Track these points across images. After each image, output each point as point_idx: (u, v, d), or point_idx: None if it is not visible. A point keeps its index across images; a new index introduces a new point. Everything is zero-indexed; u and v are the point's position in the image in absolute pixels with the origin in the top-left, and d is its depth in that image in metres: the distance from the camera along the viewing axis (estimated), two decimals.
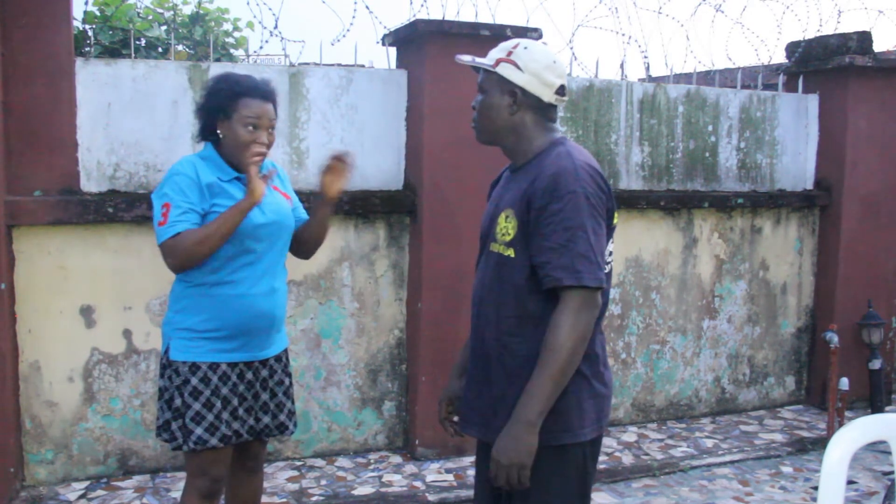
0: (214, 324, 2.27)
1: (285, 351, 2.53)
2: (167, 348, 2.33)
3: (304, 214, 2.57)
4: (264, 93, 2.31)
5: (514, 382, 1.80)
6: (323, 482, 3.52)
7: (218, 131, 2.32)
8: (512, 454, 1.71)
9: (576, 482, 1.84)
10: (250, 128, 2.26)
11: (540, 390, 1.70)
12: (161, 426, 2.36)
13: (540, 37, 3.77)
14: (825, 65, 4.59)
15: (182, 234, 2.19)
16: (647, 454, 3.98)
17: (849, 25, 21.35)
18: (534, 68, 1.84)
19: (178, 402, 2.28)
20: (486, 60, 1.88)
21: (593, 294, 1.73)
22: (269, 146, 2.33)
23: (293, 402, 2.52)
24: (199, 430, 2.26)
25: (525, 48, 1.86)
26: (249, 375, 2.36)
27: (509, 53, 1.85)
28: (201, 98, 2.38)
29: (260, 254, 2.31)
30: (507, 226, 1.81)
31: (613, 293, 4.27)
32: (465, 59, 1.93)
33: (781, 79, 4.94)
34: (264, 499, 3.30)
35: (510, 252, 1.80)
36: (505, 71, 1.85)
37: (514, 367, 1.81)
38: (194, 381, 2.27)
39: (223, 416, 2.28)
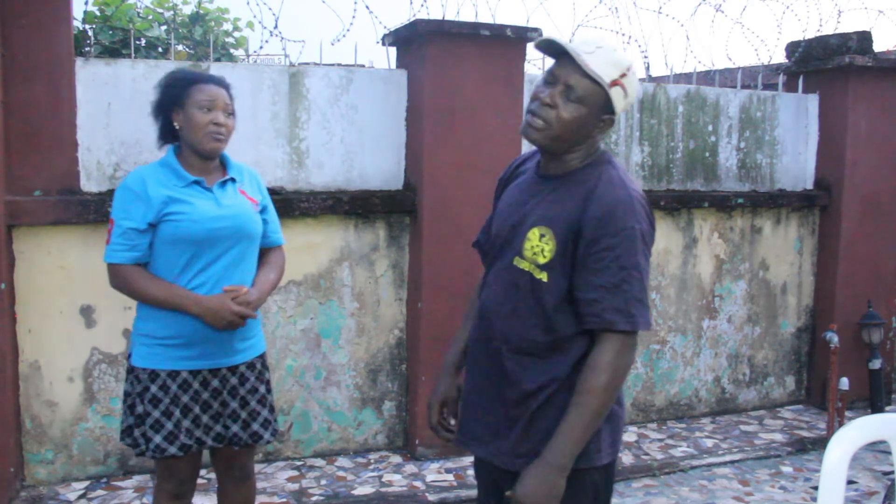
0: (171, 331, 2.23)
1: (260, 357, 2.43)
2: (130, 353, 2.32)
3: (275, 234, 2.49)
4: (217, 79, 2.31)
5: (530, 406, 1.71)
6: (323, 482, 3.52)
7: (175, 124, 2.29)
8: (540, 498, 1.61)
9: None
10: (205, 109, 2.24)
11: (574, 433, 1.61)
12: (124, 430, 2.33)
13: (540, 36, 3.76)
14: (825, 65, 4.59)
15: (121, 271, 2.23)
16: (647, 454, 3.98)
17: (849, 25, 21.36)
18: (632, 97, 1.70)
19: (139, 408, 2.26)
20: (602, 74, 1.62)
21: (636, 335, 1.65)
22: (229, 131, 2.29)
23: (272, 411, 2.43)
24: (157, 439, 2.23)
25: (633, 73, 1.69)
26: (215, 383, 2.30)
27: (623, 76, 1.65)
28: (155, 96, 2.33)
29: (217, 257, 2.26)
30: (542, 246, 1.67)
31: None
32: (585, 62, 1.62)
33: (781, 79, 4.94)
34: (264, 499, 3.31)
35: (543, 276, 1.67)
36: (616, 95, 1.65)
37: (531, 389, 1.71)
38: (153, 388, 2.24)
39: (183, 425, 2.24)
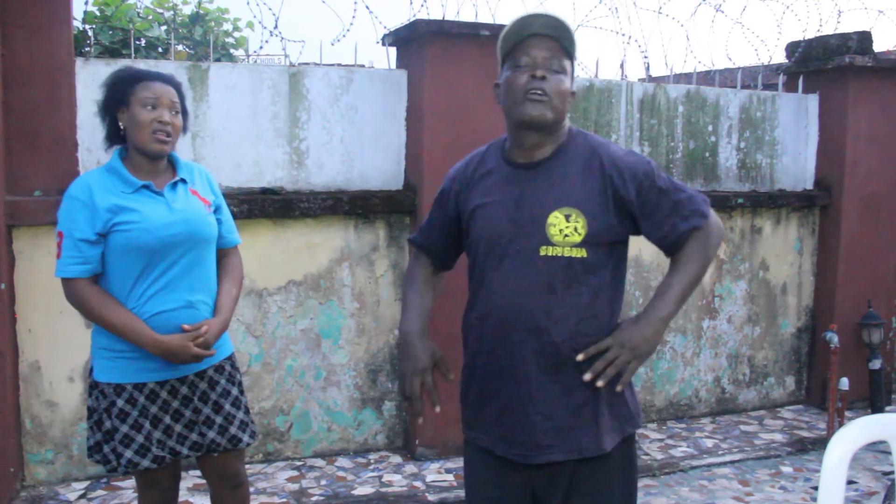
0: (130, 343, 2.13)
1: (229, 359, 2.35)
2: (92, 368, 2.24)
3: (230, 234, 2.39)
4: (164, 77, 2.20)
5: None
6: (323, 482, 3.52)
7: (120, 124, 2.19)
8: (641, 342, 1.73)
9: (636, 469, 1.87)
10: (149, 107, 2.13)
11: (674, 293, 1.76)
12: (92, 447, 2.26)
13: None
14: (825, 65, 4.59)
15: (76, 287, 2.12)
16: (647, 454, 3.98)
17: (849, 25, 21.37)
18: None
19: (107, 424, 2.18)
20: (574, 43, 1.74)
21: (711, 214, 1.80)
22: (175, 130, 2.18)
23: (247, 412, 2.36)
24: (128, 454, 2.16)
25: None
26: (185, 390, 2.23)
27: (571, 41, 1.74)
28: (100, 95, 2.23)
29: (172, 264, 2.16)
30: (571, 225, 1.70)
31: None
32: (558, 19, 1.70)
33: (781, 79, 4.94)
34: (264, 499, 3.31)
35: (581, 253, 1.70)
36: (574, 68, 1.77)
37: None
38: (120, 402, 2.16)
39: (154, 437, 2.18)
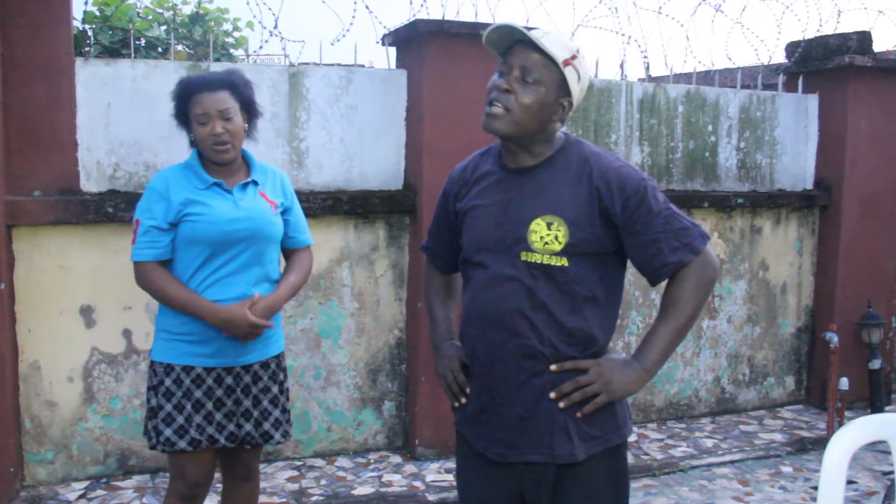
0: (189, 328, 2.29)
1: (276, 357, 2.46)
2: (153, 347, 2.39)
3: (301, 235, 2.53)
4: (210, 83, 2.31)
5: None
6: (323, 482, 3.52)
7: (192, 136, 2.38)
8: (620, 385, 1.70)
9: (626, 481, 1.85)
10: (202, 124, 2.28)
11: (662, 341, 1.72)
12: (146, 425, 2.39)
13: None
14: (825, 65, 4.59)
15: (145, 269, 2.30)
16: (646, 454, 3.98)
17: (849, 25, 21.37)
18: (585, 82, 1.75)
19: (153, 401, 2.32)
20: (553, 51, 1.66)
21: (706, 253, 1.72)
22: (234, 133, 2.32)
23: (283, 411, 2.47)
24: (167, 432, 2.27)
25: (583, 57, 1.72)
26: (229, 380, 2.34)
27: (573, 57, 1.69)
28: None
29: (232, 258, 2.31)
30: (552, 233, 1.70)
31: None
32: (538, 37, 1.65)
33: (781, 79, 4.94)
34: (265, 499, 3.31)
35: (563, 261, 1.69)
36: (570, 75, 1.70)
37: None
38: (168, 381, 2.29)
39: (194, 420, 2.28)
